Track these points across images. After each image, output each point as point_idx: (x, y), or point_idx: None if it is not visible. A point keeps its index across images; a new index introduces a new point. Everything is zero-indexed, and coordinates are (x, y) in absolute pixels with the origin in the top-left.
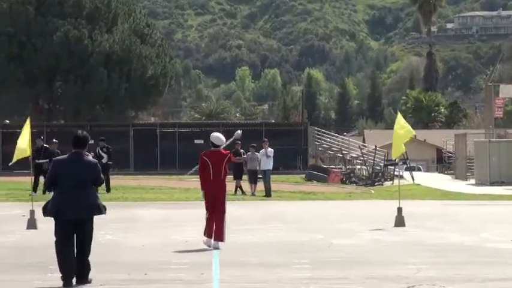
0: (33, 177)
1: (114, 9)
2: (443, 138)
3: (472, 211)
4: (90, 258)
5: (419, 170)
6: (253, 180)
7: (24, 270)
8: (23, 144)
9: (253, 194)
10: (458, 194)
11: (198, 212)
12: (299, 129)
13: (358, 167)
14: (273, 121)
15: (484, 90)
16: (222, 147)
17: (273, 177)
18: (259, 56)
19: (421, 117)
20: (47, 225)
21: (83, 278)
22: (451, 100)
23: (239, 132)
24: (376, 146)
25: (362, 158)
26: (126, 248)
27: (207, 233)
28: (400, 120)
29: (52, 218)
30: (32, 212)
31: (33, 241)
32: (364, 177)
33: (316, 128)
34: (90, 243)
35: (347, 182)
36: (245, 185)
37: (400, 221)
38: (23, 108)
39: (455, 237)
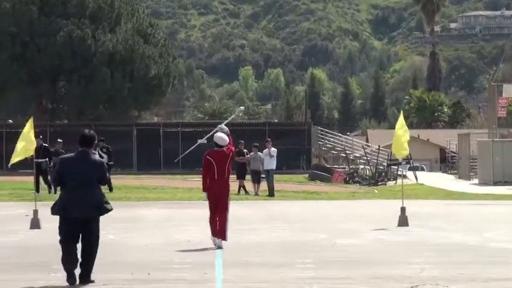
0: (35, 177)
1: (117, 9)
2: (446, 138)
3: (476, 211)
4: None
5: (422, 169)
6: (256, 180)
7: (27, 270)
8: (26, 145)
9: (256, 194)
10: (462, 194)
11: (201, 212)
12: (302, 129)
13: (362, 166)
14: (276, 121)
15: (488, 90)
16: (224, 123)
17: (276, 177)
18: (263, 55)
19: (424, 117)
20: (51, 225)
21: (86, 277)
22: (454, 100)
23: (242, 108)
24: (379, 146)
25: (365, 158)
26: (129, 248)
27: (213, 232)
28: (400, 120)
29: (57, 217)
30: (36, 212)
31: (37, 241)
32: (367, 177)
33: (319, 127)
34: (97, 244)
35: (350, 181)
36: (248, 184)
37: (403, 221)
38: (26, 108)
39: (458, 237)
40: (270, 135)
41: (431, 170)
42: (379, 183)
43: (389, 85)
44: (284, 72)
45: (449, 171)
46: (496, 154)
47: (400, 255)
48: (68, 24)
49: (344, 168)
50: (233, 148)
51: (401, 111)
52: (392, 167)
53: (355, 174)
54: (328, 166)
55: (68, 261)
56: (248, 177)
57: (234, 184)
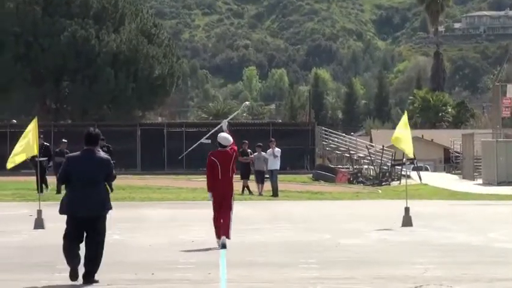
0: (37, 177)
1: (121, 9)
2: (450, 138)
3: (480, 211)
4: None
5: (426, 169)
6: (260, 180)
7: (31, 270)
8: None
9: (260, 194)
10: (466, 194)
11: (205, 212)
12: (306, 129)
13: (366, 166)
14: (280, 121)
15: (492, 90)
16: (229, 118)
17: (280, 177)
18: (266, 55)
19: (428, 117)
20: (55, 225)
21: (91, 277)
22: (458, 100)
23: (247, 103)
24: (383, 146)
25: (369, 158)
26: (133, 248)
27: (217, 234)
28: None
29: (61, 216)
30: (39, 212)
31: (41, 241)
32: (371, 177)
33: (323, 127)
34: (103, 245)
35: (354, 181)
36: (252, 184)
37: (407, 221)
38: (30, 108)
39: (462, 237)
40: (274, 136)
41: (435, 170)
42: (383, 184)
43: (393, 85)
44: (288, 72)
45: (453, 172)
46: (500, 154)
47: (404, 255)
48: (71, 24)
49: (348, 168)
50: (236, 148)
51: (405, 112)
52: (396, 167)
53: (359, 175)
54: (332, 166)
55: (70, 256)
56: (252, 177)
57: (238, 184)
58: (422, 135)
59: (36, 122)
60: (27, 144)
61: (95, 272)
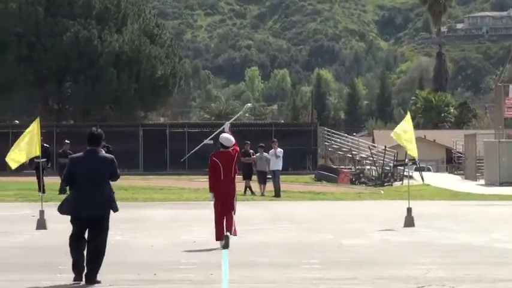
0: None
1: (123, 9)
2: (453, 138)
3: (482, 211)
4: None
5: (429, 170)
6: (262, 181)
7: (33, 270)
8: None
9: (262, 194)
10: (468, 195)
11: (207, 212)
12: (308, 130)
13: (368, 167)
14: (283, 121)
15: (494, 91)
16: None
17: (282, 177)
18: (269, 56)
19: (430, 118)
20: (57, 226)
21: (93, 278)
22: (460, 100)
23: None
24: (385, 147)
25: (371, 159)
26: (136, 248)
27: (218, 237)
28: (407, 120)
29: (63, 217)
30: (42, 212)
31: (43, 241)
32: (373, 178)
33: (325, 128)
34: (105, 246)
35: (356, 182)
36: (254, 185)
37: (409, 222)
38: (32, 108)
39: (464, 237)
40: (276, 136)
41: (437, 170)
42: (385, 184)
43: (395, 86)
44: (290, 72)
45: (455, 172)
46: (502, 155)
47: (406, 255)
48: (74, 25)
49: (350, 168)
50: (238, 148)
51: (408, 112)
52: (399, 167)
53: (361, 175)
54: (334, 167)
55: (79, 263)
56: (255, 177)
57: (240, 185)
58: (425, 136)
59: (39, 123)
60: (29, 144)
61: (97, 271)
